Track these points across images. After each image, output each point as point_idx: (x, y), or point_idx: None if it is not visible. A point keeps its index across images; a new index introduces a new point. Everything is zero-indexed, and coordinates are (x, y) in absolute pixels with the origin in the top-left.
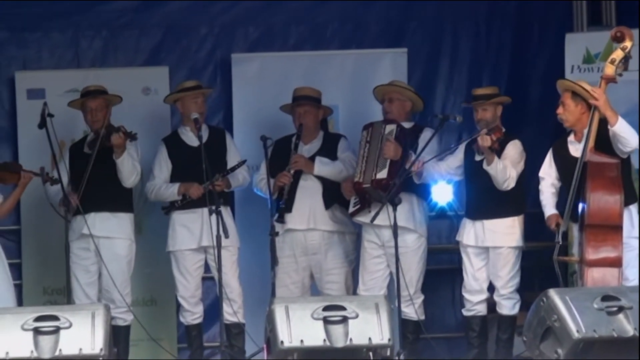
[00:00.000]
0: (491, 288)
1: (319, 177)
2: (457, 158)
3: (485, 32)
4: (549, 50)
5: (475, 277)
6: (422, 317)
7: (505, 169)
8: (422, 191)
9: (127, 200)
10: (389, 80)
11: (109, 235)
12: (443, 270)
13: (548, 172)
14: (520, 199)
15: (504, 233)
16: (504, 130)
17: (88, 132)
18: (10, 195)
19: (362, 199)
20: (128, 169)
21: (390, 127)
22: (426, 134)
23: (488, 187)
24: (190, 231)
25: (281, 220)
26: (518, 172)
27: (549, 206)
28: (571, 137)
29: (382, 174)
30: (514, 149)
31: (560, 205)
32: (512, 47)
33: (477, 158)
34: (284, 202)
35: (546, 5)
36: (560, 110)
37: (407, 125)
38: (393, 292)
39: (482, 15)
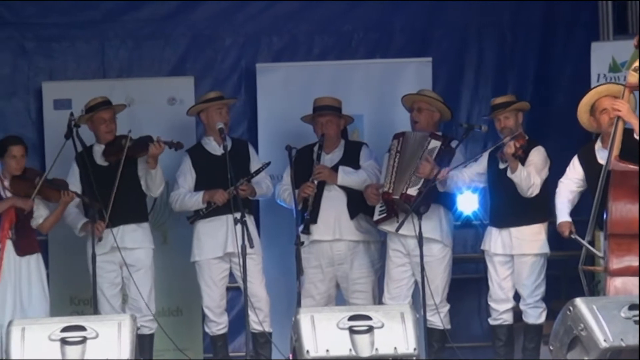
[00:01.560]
0: (516, 297)
1: (343, 187)
2: (480, 165)
3: (510, 40)
4: (575, 58)
5: (501, 286)
6: (448, 326)
7: (529, 176)
8: (448, 202)
9: (146, 210)
10: (416, 89)
11: (137, 246)
12: (469, 279)
13: (569, 177)
14: (545, 206)
15: (531, 240)
16: (526, 137)
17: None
18: (53, 212)
19: (390, 208)
20: (160, 178)
21: (435, 144)
22: (452, 144)
23: (513, 195)
24: (215, 239)
25: (306, 231)
26: (542, 178)
27: (562, 212)
28: (598, 145)
29: (413, 191)
30: (537, 156)
31: (585, 211)
32: (537, 55)
33: (501, 166)
34: (308, 214)
35: (572, 13)
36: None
37: None
38: (418, 301)
39: (507, 24)
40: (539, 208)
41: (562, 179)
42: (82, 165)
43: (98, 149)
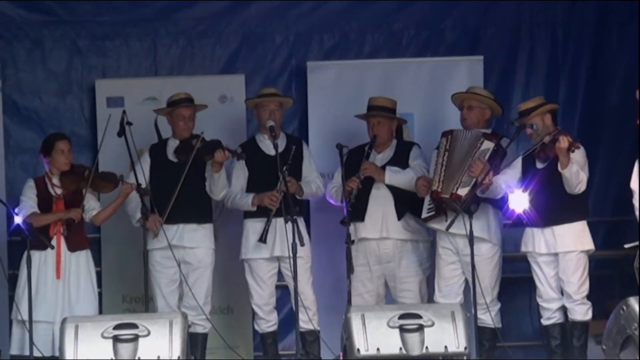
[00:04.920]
0: None
1: (391, 187)
2: (515, 170)
3: (562, 38)
4: (628, 56)
5: (550, 285)
6: (499, 325)
7: (578, 172)
8: (497, 201)
9: (210, 211)
10: (466, 88)
11: (197, 246)
12: (520, 278)
13: (638, 184)
14: (586, 203)
15: (577, 237)
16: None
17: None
18: (111, 204)
19: (438, 207)
20: (223, 182)
21: (488, 145)
22: (503, 143)
23: (555, 194)
24: None
25: (344, 223)
26: (587, 175)
27: None
28: None
29: (464, 191)
30: (579, 153)
31: (632, 211)
32: (590, 53)
33: (539, 166)
34: (349, 206)
35: (625, 11)
36: None
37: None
38: (469, 300)
39: (559, 22)
40: (580, 205)
41: (633, 188)
42: (154, 157)
43: (172, 144)
